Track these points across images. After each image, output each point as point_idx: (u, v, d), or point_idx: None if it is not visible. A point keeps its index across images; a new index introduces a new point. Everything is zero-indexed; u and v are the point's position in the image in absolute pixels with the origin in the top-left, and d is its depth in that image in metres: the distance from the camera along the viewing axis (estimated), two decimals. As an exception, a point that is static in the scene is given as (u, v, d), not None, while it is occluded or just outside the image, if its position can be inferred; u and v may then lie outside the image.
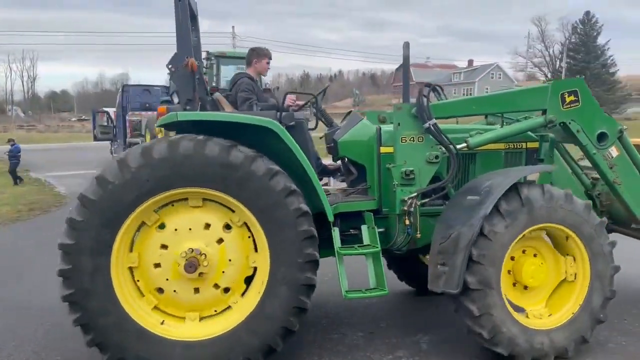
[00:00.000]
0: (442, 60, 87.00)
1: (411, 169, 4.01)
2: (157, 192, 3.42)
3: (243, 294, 3.67)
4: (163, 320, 3.58)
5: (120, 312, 3.44)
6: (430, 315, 4.89)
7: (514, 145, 4.51)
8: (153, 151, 3.39)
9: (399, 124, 4.04)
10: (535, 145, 4.57)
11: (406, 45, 4.35)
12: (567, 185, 4.47)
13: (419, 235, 4.01)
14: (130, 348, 3.45)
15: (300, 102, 4.87)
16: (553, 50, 65.18)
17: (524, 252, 3.95)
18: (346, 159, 4.44)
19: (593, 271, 3.90)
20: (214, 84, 13.27)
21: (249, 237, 3.64)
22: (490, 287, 3.60)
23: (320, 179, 4.11)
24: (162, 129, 16.62)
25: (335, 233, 3.83)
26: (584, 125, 4.27)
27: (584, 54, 57.78)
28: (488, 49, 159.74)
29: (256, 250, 3.62)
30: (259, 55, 4.93)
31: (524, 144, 4.54)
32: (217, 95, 4.48)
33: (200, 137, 3.45)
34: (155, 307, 3.60)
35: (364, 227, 4.01)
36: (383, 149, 4.20)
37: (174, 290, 3.56)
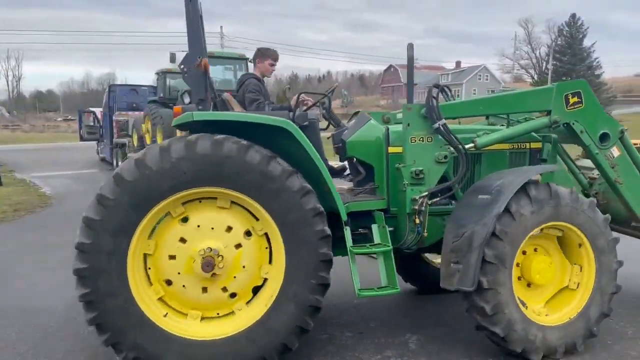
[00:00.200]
0: (430, 62, 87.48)
1: (421, 168, 4.06)
2: (192, 187, 3.44)
3: (248, 302, 3.68)
4: (166, 313, 3.57)
5: (128, 295, 3.42)
6: (419, 315, 4.93)
7: (518, 146, 4.58)
8: (197, 146, 3.40)
9: (408, 124, 4.09)
10: (539, 145, 4.65)
11: (410, 47, 4.40)
12: (566, 184, 4.56)
13: (426, 234, 4.05)
14: (130, 333, 3.42)
15: (309, 102, 4.90)
16: (539, 53, 66.05)
17: (535, 250, 4.01)
18: (355, 159, 4.47)
19: (596, 284, 3.98)
20: None
21: (266, 248, 3.66)
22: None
23: None
24: (149, 129, 16.36)
25: (347, 232, 3.86)
26: (587, 126, 4.35)
27: (570, 56, 58.60)
28: (475, 50, 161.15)
29: (270, 262, 3.65)
30: (263, 55, 4.95)
31: (527, 144, 4.62)
32: (226, 95, 4.49)
33: (244, 142, 3.48)
34: (160, 299, 3.59)
35: (374, 226, 4.05)
36: (391, 149, 4.24)
37: (183, 285, 3.56)
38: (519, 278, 3.99)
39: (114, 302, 3.39)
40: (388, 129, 4.30)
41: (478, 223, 3.61)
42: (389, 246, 3.88)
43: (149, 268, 3.57)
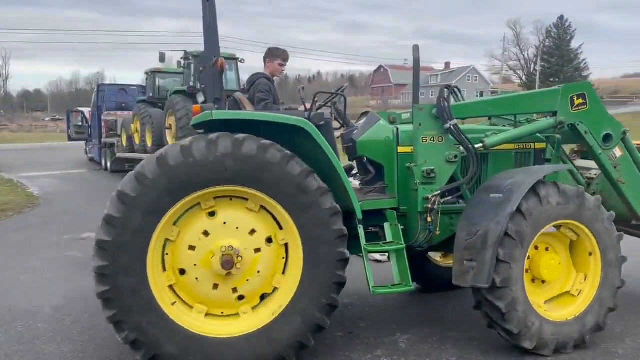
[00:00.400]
0: (420, 63, 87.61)
1: (432, 168, 4.13)
2: (230, 184, 3.50)
3: (254, 307, 3.71)
4: (174, 302, 3.58)
5: (143, 276, 3.42)
6: (409, 315, 4.96)
7: (523, 146, 4.68)
8: (243, 146, 3.46)
9: (420, 124, 4.16)
10: (543, 145, 4.75)
11: (416, 48, 4.48)
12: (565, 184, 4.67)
13: (438, 232, 4.12)
14: (136, 314, 3.41)
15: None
16: (528, 54, 66.62)
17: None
18: (365, 158, 4.53)
19: (597, 295, 4.09)
20: (191, 84, 13.24)
21: (283, 258, 3.71)
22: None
23: None
24: (138, 129, 16.18)
25: (361, 230, 3.92)
26: (591, 127, 4.46)
27: (557, 57, 59.22)
28: (465, 51, 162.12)
29: (284, 272, 3.70)
30: (272, 55, 4.97)
31: (532, 145, 4.71)
32: (238, 94, 4.53)
33: (287, 152, 3.56)
34: (170, 287, 3.59)
35: (386, 225, 4.11)
36: (401, 149, 4.32)
37: (196, 278, 3.57)
38: (525, 271, 4.05)
39: (128, 279, 3.38)
40: (398, 129, 4.37)
41: (492, 221, 3.70)
42: (401, 244, 3.95)
43: (167, 254, 3.57)
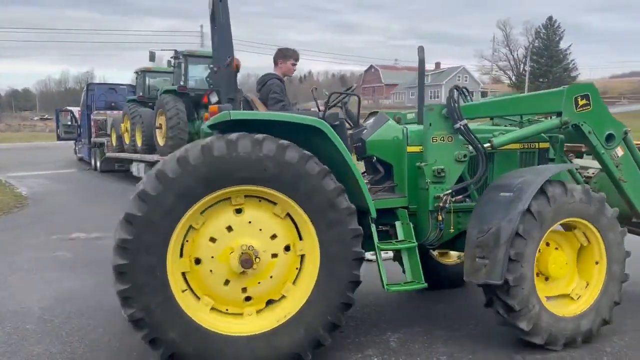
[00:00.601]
0: (410, 63, 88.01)
1: (442, 167, 4.21)
2: (266, 185, 3.54)
3: (259, 311, 3.74)
4: (185, 289, 3.60)
5: (162, 259, 3.43)
6: (400, 314, 4.98)
7: (528, 146, 4.77)
8: (286, 153, 3.53)
9: (430, 124, 4.24)
10: (547, 145, 4.85)
11: (421, 50, 4.53)
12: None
13: (452, 230, 4.20)
14: (146, 295, 3.41)
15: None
16: (517, 54, 67.11)
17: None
18: (374, 158, 4.60)
19: (595, 303, 4.18)
20: (181, 84, 13.22)
21: (297, 268, 3.76)
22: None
23: None
24: (128, 128, 16.01)
25: (374, 229, 3.99)
26: (595, 127, 4.55)
27: (546, 58, 59.70)
28: (455, 52, 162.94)
29: (294, 282, 3.74)
30: (284, 56, 4.98)
31: (536, 145, 4.81)
32: (250, 95, 4.56)
33: (325, 167, 3.62)
34: (183, 274, 3.60)
35: (398, 223, 4.18)
36: (410, 148, 4.39)
37: (210, 270, 3.59)
38: None
39: (147, 258, 3.39)
40: (407, 128, 4.44)
41: (503, 219, 3.77)
42: (413, 242, 4.02)
43: (187, 240, 3.59)
